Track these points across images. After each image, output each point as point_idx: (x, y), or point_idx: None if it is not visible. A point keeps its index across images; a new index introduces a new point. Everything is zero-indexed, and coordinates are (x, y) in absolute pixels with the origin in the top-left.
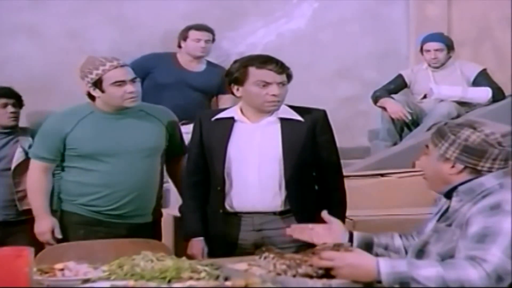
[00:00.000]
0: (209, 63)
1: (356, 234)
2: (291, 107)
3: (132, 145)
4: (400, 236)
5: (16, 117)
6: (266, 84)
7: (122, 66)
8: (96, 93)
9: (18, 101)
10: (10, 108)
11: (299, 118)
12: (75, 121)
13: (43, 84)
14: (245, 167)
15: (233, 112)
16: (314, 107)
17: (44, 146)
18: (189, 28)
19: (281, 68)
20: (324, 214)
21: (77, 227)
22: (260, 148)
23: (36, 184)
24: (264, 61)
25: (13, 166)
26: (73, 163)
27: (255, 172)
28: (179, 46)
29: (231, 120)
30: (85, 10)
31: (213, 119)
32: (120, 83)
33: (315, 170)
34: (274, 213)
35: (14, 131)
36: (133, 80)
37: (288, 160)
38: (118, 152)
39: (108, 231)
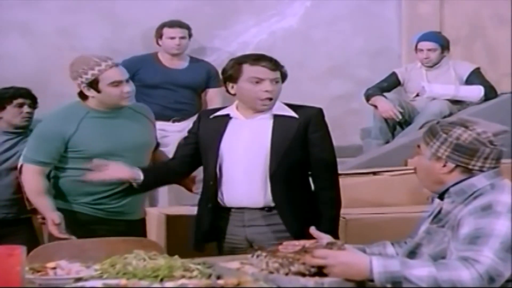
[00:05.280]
0: (192, 59)
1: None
2: (287, 105)
3: (132, 143)
4: (392, 244)
5: (30, 117)
6: (259, 80)
7: (116, 65)
8: (91, 93)
9: (33, 103)
10: (26, 109)
11: (292, 114)
12: (76, 122)
13: (35, 81)
14: (233, 163)
15: (230, 109)
16: (310, 105)
17: (42, 150)
18: (163, 26)
19: (275, 65)
20: (313, 230)
21: (77, 225)
22: (248, 144)
23: (37, 187)
24: (257, 58)
25: (19, 164)
26: (75, 164)
27: (242, 167)
28: (158, 44)
29: (227, 117)
30: (77, 7)
31: (211, 116)
32: (117, 83)
33: (308, 168)
34: (263, 209)
35: (24, 131)
36: (127, 80)
37: (275, 156)
38: (122, 150)
39: (109, 228)
